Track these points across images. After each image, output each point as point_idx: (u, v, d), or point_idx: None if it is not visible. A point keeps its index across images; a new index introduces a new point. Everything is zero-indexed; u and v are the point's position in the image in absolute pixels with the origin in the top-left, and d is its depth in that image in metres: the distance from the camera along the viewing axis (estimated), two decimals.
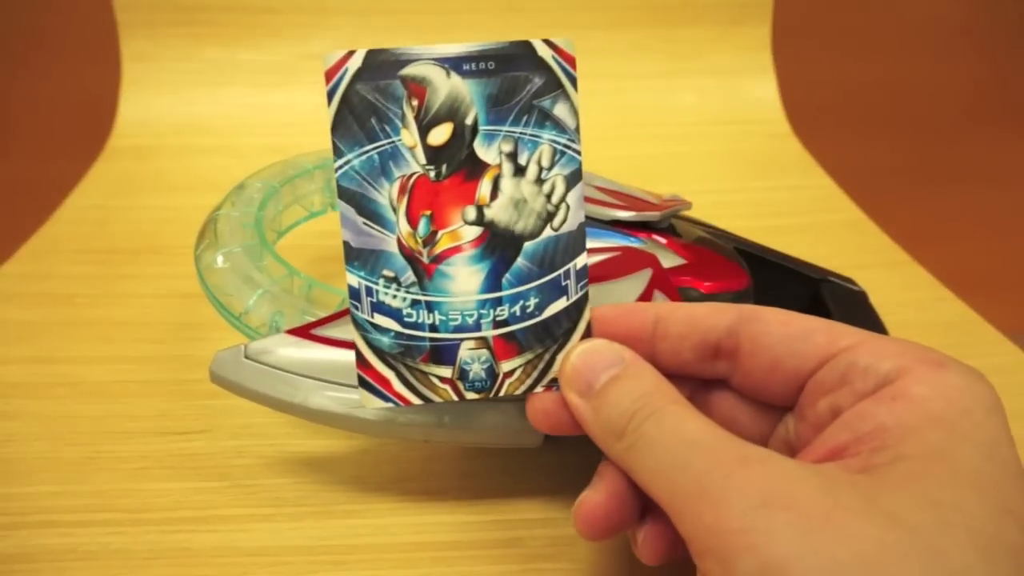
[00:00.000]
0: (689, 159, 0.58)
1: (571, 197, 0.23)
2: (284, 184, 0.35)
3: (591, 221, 0.30)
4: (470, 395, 0.24)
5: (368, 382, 0.23)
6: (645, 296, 0.27)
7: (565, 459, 0.30)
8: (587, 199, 0.31)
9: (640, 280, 0.28)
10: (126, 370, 0.35)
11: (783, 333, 0.21)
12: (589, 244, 0.29)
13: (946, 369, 0.19)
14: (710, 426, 0.19)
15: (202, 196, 0.37)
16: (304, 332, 0.26)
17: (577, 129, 0.23)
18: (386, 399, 0.23)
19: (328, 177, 0.37)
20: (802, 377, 0.21)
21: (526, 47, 0.22)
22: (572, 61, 0.23)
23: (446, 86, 0.22)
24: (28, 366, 0.35)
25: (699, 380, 0.24)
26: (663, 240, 0.30)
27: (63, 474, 0.29)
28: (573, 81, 0.23)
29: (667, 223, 0.32)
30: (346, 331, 0.25)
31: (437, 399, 0.24)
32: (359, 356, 0.23)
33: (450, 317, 0.23)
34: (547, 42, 0.22)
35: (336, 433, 0.31)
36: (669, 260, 0.29)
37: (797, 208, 0.53)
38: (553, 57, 0.22)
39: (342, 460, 0.30)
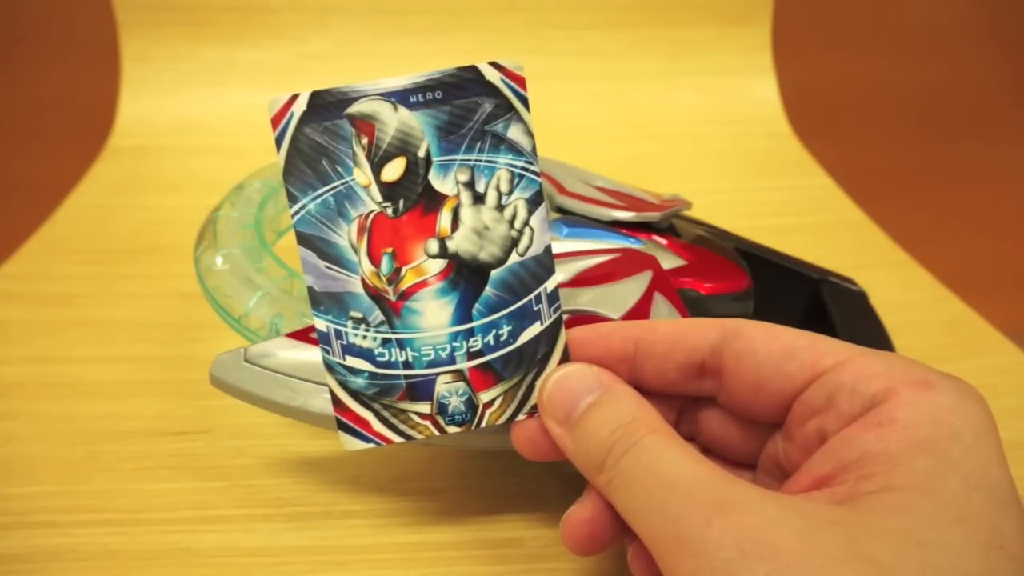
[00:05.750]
0: (689, 159, 0.58)
1: (534, 220, 0.23)
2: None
3: (591, 221, 0.30)
4: (451, 429, 0.23)
5: (347, 424, 0.23)
6: (645, 298, 0.27)
7: (564, 460, 0.30)
8: (587, 199, 0.31)
9: (640, 282, 0.28)
10: (126, 370, 0.35)
11: (767, 352, 0.21)
12: (589, 245, 0.29)
13: (934, 390, 0.18)
14: (689, 459, 0.19)
15: (202, 196, 0.37)
16: (304, 335, 0.26)
17: (534, 151, 0.23)
18: (367, 440, 0.23)
19: None
20: (788, 397, 0.21)
21: (473, 72, 0.22)
22: (522, 82, 0.22)
23: (394, 120, 0.22)
24: (28, 366, 0.35)
25: (686, 398, 0.23)
26: (663, 241, 0.30)
27: (63, 474, 0.29)
28: (525, 102, 0.22)
29: (667, 223, 0.32)
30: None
31: (418, 436, 0.23)
32: (335, 399, 0.23)
33: (423, 353, 0.23)
34: (494, 64, 0.22)
35: (336, 433, 0.31)
36: (669, 261, 0.29)
37: (797, 208, 0.53)
38: (502, 79, 0.22)
39: (342, 460, 0.30)
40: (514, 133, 0.22)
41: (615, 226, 0.30)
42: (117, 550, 0.26)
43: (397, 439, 0.23)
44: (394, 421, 0.23)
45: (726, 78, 0.64)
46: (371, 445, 0.23)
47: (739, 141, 0.61)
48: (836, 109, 0.73)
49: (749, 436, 0.23)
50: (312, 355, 0.25)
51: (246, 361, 0.25)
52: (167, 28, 0.59)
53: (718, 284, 0.29)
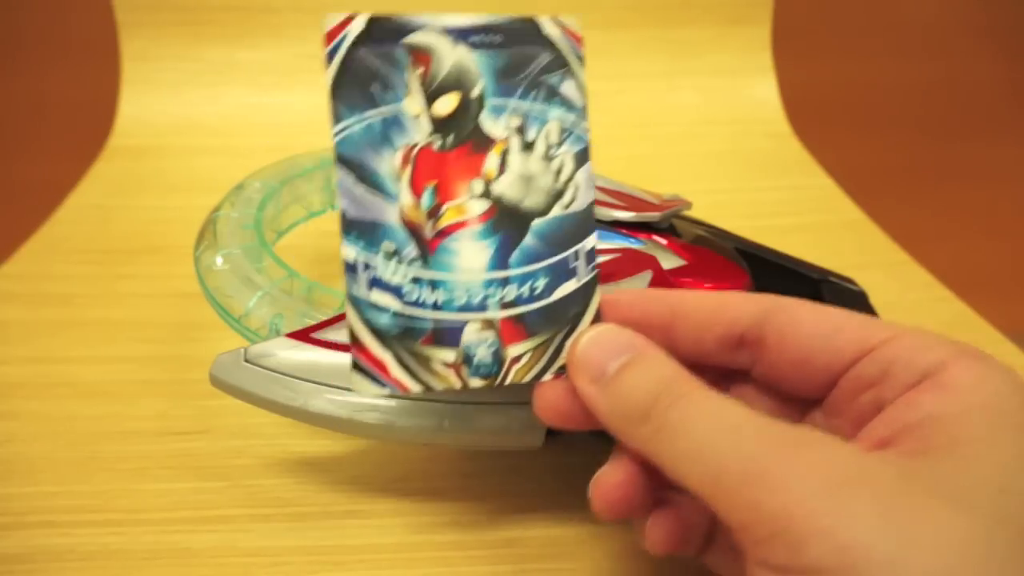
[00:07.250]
0: (689, 159, 0.58)
1: (580, 176, 0.22)
2: (284, 184, 0.35)
3: None
4: (474, 381, 0.22)
5: (362, 365, 0.21)
6: None
7: (565, 460, 0.30)
8: None
9: (640, 282, 0.28)
10: (126, 370, 0.35)
11: (814, 327, 0.21)
12: None
13: (986, 361, 0.19)
14: (747, 409, 0.19)
15: (202, 196, 0.37)
16: (304, 335, 0.26)
17: (585, 109, 0.22)
18: (382, 385, 0.21)
19: (327, 177, 0.36)
20: (834, 372, 0.21)
21: (532, 24, 0.22)
22: (579, 40, 0.22)
23: (452, 56, 0.21)
24: (28, 366, 0.35)
25: (718, 370, 0.23)
26: (663, 241, 0.30)
27: (63, 474, 0.29)
28: (580, 60, 0.22)
29: (667, 223, 0.32)
30: (346, 334, 0.23)
31: (439, 385, 0.22)
32: (352, 338, 0.21)
33: (455, 296, 0.22)
34: (554, 20, 0.22)
35: (336, 433, 0.31)
36: (669, 261, 0.29)
37: (797, 208, 0.53)
38: (561, 35, 0.22)
39: (342, 460, 0.30)
40: (567, 88, 0.22)
41: (615, 226, 0.30)
42: (117, 550, 0.26)
43: (415, 387, 0.22)
44: (414, 367, 0.22)
45: (726, 78, 0.64)
46: (386, 390, 0.21)
47: (739, 141, 0.61)
48: (836, 109, 0.73)
49: (782, 412, 0.22)
50: (312, 355, 0.25)
51: (246, 361, 0.25)
52: (167, 28, 0.59)
53: (718, 284, 0.29)
